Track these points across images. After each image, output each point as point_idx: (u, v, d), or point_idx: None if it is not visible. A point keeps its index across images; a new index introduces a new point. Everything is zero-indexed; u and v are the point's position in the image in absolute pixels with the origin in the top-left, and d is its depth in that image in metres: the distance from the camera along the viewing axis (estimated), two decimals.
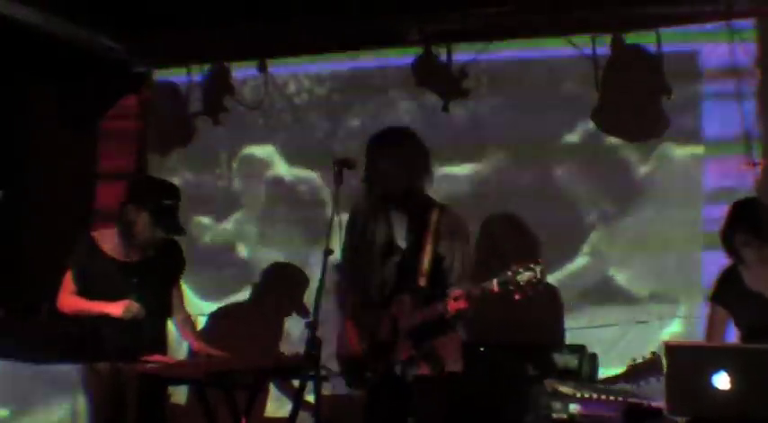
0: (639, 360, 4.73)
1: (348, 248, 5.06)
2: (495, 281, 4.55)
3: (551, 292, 6.05)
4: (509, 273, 4.50)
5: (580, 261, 6.16)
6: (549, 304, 6.02)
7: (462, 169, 6.46)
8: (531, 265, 4.49)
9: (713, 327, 4.97)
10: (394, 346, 4.84)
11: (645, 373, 4.62)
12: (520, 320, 5.80)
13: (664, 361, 4.23)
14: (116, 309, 5.10)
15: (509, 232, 6.19)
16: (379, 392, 4.96)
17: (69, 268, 5.34)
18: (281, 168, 6.95)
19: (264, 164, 6.99)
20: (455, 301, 4.65)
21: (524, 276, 4.47)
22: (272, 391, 6.43)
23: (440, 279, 4.87)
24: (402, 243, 4.97)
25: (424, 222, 4.92)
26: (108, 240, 5.33)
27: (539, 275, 4.47)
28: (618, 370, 4.77)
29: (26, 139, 7.08)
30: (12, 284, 6.46)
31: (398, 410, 4.89)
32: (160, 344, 5.38)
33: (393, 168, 4.85)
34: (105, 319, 5.11)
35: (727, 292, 4.91)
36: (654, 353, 4.69)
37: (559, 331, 6.01)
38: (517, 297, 4.50)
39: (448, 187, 6.26)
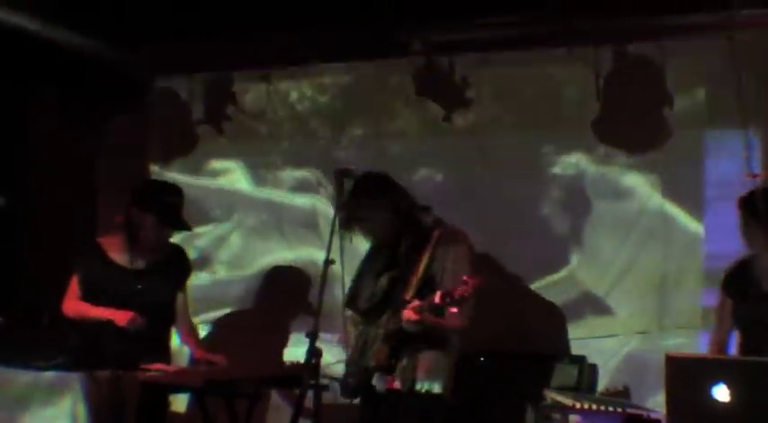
0: (611, 389, 4.79)
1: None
2: (438, 292, 4.59)
3: (550, 303, 6.06)
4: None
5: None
6: (549, 315, 6.02)
7: (462, 179, 6.48)
8: (465, 279, 4.52)
9: (722, 316, 5.00)
10: (370, 354, 4.88)
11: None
12: (521, 331, 5.82)
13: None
14: (120, 318, 5.12)
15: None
16: (365, 401, 4.99)
17: (75, 274, 5.37)
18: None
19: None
20: (407, 311, 4.67)
21: (459, 290, 4.52)
22: (274, 398, 6.44)
23: (429, 293, 4.81)
24: (401, 260, 4.97)
25: (425, 241, 4.93)
26: (114, 247, 5.37)
27: (468, 291, 4.50)
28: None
29: (28, 147, 7.07)
30: (12, 291, 6.46)
31: (382, 421, 4.90)
32: (163, 351, 5.40)
33: (380, 225, 4.93)
34: (107, 326, 5.12)
35: (733, 282, 4.94)
36: (625, 386, 4.74)
37: (562, 342, 6.01)
38: (453, 310, 4.57)
39: (446, 198, 6.29)
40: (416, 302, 4.67)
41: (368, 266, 5.12)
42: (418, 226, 4.97)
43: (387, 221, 4.93)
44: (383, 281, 4.97)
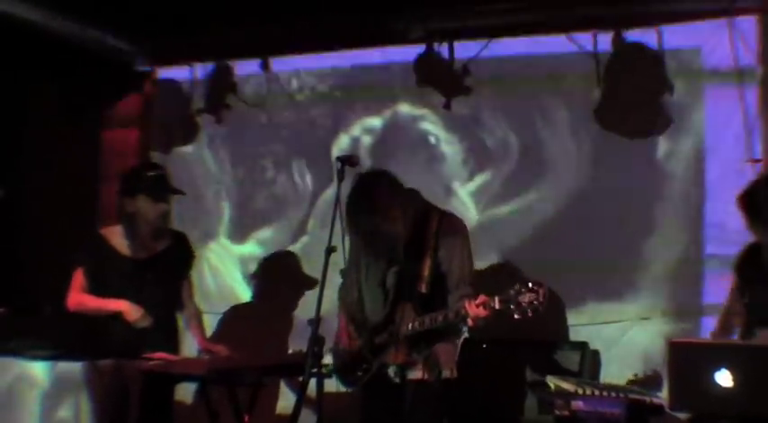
0: (640, 375, 4.77)
1: (349, 263, 5.05)
2: (497, 298, 4.48)
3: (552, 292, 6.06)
4: (512, 291, 4.44)
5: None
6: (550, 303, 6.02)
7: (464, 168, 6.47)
8: (534, 287, 4.41)
9: (732, 297, 4.97)
10: (390, 350, 4.83)
11: (644, 388, 4.67)
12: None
13: (665, 376, 4.25)
14: (128, 312, 5.13)
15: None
16: (373, 393, 4.97)
17: (79, 266, 5.34)
18: None
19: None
20: (477, 307, 4.55)
21: (526, 297, 4.40)
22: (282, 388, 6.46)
23: (440, 285, 4.84)
24: (401, 250, 4.91)
25: (424, 229, 4.88)
26: (116, 237, 5.35)
27: (540, 298, 4.40)
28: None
29: (28, 138, 7.09)
30: (13, 283, 6.47)
31: (392, 413, 4.87)
32: (171, 340, 5.39)
33: (378, 229, 4.80)
34: (112, 316, 5.12)
35: (744, 264, 4.91)
36: (654, 370, 4.73)
37: (561, 329, 6.00)
38: (516, 317, 4.43)
39: (448, 188, 6.29)
40: (484, 298, 4.55)
41: (366, 272, 5.03)
42: (413, 213, 4.91)
43: (400, 226, 4.83)
44: (390, 280, 4.93)
